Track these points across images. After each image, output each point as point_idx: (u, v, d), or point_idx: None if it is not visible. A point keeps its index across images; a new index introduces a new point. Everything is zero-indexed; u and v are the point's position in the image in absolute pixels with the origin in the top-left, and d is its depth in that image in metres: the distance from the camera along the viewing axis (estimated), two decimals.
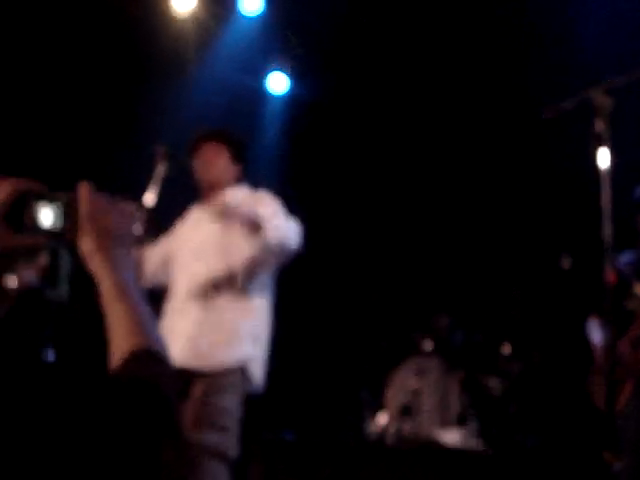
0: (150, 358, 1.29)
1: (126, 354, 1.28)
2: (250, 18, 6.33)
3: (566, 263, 5.23)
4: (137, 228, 1.75)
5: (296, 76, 6.83)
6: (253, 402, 3.66)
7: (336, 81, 6.70)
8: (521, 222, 6.64)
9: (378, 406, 6.11)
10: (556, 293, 5.72)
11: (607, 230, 2.28)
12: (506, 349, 6.03)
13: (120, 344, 1.31)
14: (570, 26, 5.89)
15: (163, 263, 3.96)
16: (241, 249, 3.64)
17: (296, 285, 5.15)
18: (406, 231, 7.00)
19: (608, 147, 2.33)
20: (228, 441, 3.45)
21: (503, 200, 6.69)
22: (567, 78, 5.39)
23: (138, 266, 3.73)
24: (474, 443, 5.57)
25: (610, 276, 2.29)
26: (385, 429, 5.92)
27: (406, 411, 5.88)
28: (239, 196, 3.85)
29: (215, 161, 3.86)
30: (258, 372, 3.64)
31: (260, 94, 6.91)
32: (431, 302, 6.41)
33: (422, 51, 6.39)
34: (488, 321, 6.21)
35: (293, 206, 3.71)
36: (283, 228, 3.55)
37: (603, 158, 2.33)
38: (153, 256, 3.96)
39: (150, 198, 3.59)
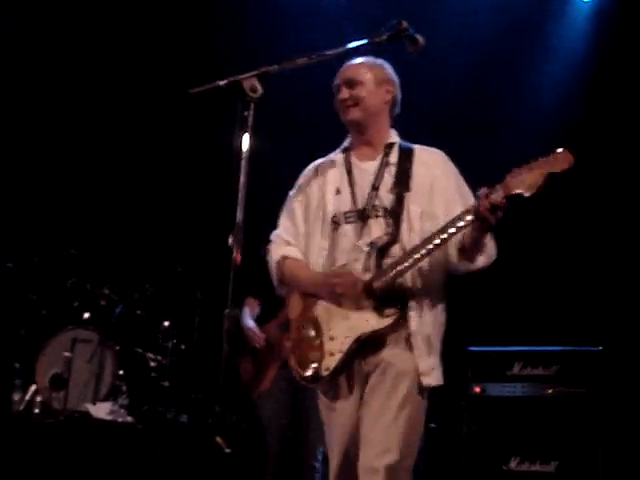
0: None
1: None
2: None
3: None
4: None
5: None
6: None
7: None
8: (187, 200, 6.76)
9: (30, 376, 5.84)
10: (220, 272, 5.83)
11: (239, 213, 2.33)
12: (165, 325, 6.07)
13: None
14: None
15: None
16: None
17: None
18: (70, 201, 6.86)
19: (250, 132, 2.39)
20: None
21: (165, 177, 6.80)
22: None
23: None
24: (124, 417, 5.52)
25: (237, 257, 2.35)
26: (33, 400, 5.68)
27: (57, 382, 5.69)
28: None
29: None
30: None
31: None
32: (94, 273, 6.25)
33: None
34: (150, 297, 6.19)
35: None
36: None
37: (245, 142, 2.38)
38: None
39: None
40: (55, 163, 6.94)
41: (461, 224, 2.69)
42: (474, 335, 5.32)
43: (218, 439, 2.30)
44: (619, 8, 5.96)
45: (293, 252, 3.06)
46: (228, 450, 2.42)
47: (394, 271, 2.76)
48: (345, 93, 3.02)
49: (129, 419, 5.48)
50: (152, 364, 6.01)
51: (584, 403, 4.61)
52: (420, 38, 2.74)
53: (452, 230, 2.70)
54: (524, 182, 2.53)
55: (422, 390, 2.80)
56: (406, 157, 2.99)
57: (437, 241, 2.72)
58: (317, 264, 2.96)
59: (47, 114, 6.85)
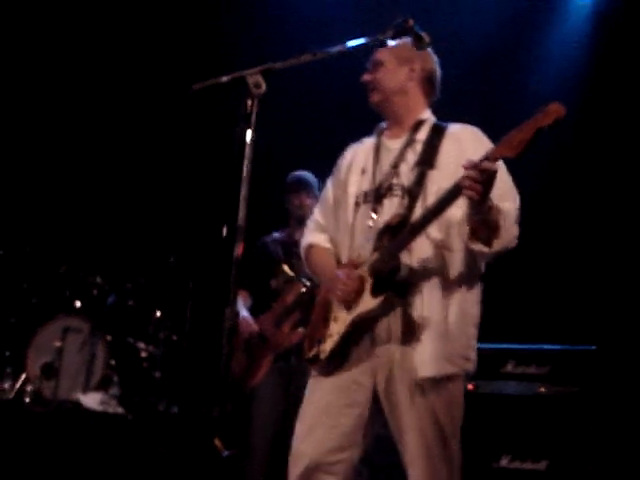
0: None
1: None
2: None
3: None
4: None
5: None
6: None
7: None
8: (182, 191, 6.73)
9: (21, 364, 5.82)
10: (213, 263, 5.81)
11: (242, 208, 2.31)
12: (157, 316, 6.04)
13: None
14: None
15: None
16: None
17: None
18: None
19: (253, 128, 2.37)
20: None
21: (160, 168, 6.77)
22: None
23: None
24: (115, 407, 5.51)
25: (239, 251, 2.33)
26: (24, 388, 5.65)
27: (48, 371, 5.67)
28: None
29: None
30: None
31: None
32: (86, 262, 6.22)
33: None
34: (142, 286, 6.16)
35: None
36: None
37: (247, 138, 2.36)
38: None
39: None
40: (50, 151, 6.90)
41: (447, 198, 2.57)
42: None
43: (217, 442, 2.25)
44: (618, 9, 5.94)
45: (321, 240, 3.06)
46: (226, 453, 2.38)
47: (388, 251, 2.69)
48: (365, 76, 3.01)
49: (120, 410, 5.47)
50: (143, 354, 5.99)
51: (577, 403, 4.59)
52: (425, 36, 2.71)
53: (438, 206, 2.61)
54: (511, 144, 2.39)
55: (419, 383, 2.65)
56: (436, 134, 2.88)
57: (424, 219, 2.64)
58: (344, 245, 2.92)
59: (43, 103, 6.81)
